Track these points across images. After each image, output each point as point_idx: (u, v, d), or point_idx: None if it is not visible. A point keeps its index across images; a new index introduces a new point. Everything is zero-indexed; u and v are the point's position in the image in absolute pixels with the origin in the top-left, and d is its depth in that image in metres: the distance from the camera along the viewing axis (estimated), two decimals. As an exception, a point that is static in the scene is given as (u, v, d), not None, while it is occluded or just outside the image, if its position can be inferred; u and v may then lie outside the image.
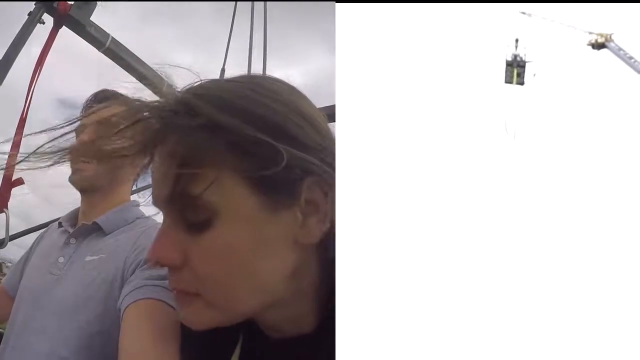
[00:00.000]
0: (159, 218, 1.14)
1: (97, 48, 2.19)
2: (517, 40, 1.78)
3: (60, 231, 1.22)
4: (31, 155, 0.58)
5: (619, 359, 1.29)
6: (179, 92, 0.56)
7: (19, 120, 1.61)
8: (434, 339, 1.35)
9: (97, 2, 2.18)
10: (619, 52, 1.77)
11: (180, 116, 0.51)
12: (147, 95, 0.62)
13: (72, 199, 1.20)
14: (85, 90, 1.19)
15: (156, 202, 0.59)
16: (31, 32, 1.84)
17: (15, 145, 1.67)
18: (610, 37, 1.78)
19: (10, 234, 1.59)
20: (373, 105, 1.47)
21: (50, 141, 0.60)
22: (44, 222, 1.72)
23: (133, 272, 0.99)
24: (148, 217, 1.19)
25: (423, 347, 1.33)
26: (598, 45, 1.80)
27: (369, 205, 1.41)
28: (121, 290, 0.97)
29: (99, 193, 1.18)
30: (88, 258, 1.09)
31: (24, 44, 1.79)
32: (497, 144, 1.59)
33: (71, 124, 0.70)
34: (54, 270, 1.11)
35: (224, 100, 0.53)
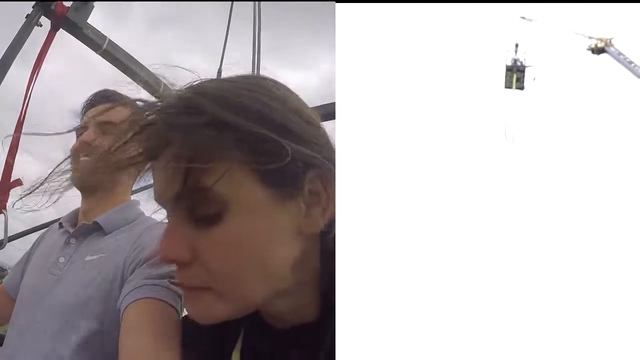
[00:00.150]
0: (159, 217, 1.17)
1: (94, 50, 2.22)
2: (517, 45, 1.81)
3: (61, 231, 1.24)
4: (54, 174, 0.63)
5: (618, 358, 1.31)
6: (179, 91, 0.59)
7: (17, 123, 1.63)
8: (432, 331, 1.37)
9: (94, 5, 2.22)
10: (618, 57, 1.80)
11: (186, 115, 0.54)
12: (144, 95, 0.65)
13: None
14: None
15: (161, 200, 0.61)
16: (29, 34, 1.87)
17: (13, 146, 1.70)
18: (610, 41, 1.81)
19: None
20: (373, 106, 1.50)
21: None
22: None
23: (133, 272, 1.01)
24: (148, 217, 1.22)
25: (422, 341, 1.36)
26: (598, 50, 1.83)
27: (369, 205, 1.43)
28: (121, 289, 0.99)
29: (99, 192, 1.20)
30: (88, 258, 1.11)
31: (22, 46, 1.82)
32: (496, 148, 1.62)
33: (74, 130, 0.74)
34: (54, 271, 1.13)
35: (226, 99, 0.56)
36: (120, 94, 1.22)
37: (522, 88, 1.78)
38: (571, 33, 1.79)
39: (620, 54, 1.80)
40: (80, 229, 1.18)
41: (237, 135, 0.53)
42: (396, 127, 1.54)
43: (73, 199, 1.20)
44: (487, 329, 1.38)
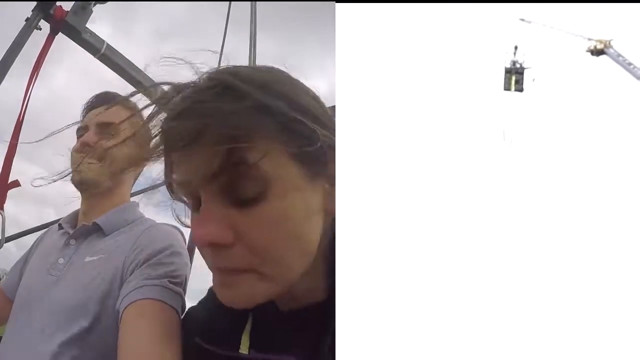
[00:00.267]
0: (159, 219, 1.18)
1: (92, 54, 2.25)
2: (516, 47, 1.82)
3: (61, 232, 1.25)
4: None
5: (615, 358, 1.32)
6: (211, 74, 0.61)
7: (15, 125, 1.66)
8: (431, 323, 1.39)
9: (93, 10, 2.25)
10: (618, 59, 1.82)
11: (231, 98, 0.56)
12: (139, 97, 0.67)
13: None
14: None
15: (191, 184, 0.61)
16: (28, 37, 1.91)
17: (11, 148, 1.72)
18: (610, 43, 1.83)
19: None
20: (373, 107, 1.52)
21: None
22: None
23: (132, 273, 1.02)
24: (148, 218, 1.23)
25: (420, 334, 1.37)
26: (597, 52, 1.84)
27: (369, 206, 1.45)
28: (120, 290, 1.00)
29: (100, 194, 1.22)
30: (88, 259, 1.12)
31: (21, 49, 1.86)
32: (494, 150, 1.63)
33: (70, 126, 0.73)
34: (53, 272, 1.14)
35: (268, 84, 0.59)
36: (121, 95, 1.25)
37: (521, 90, 1.80)
38: (570, 35, 1.81)
39: (619, 55, 1.82)
40: (80, 230, 1.20)
41: (277, 118, 0.57)
42: (396, 129, 1.56)
43: (73, 199, 1.21)
44: (483, 322, 1.39)
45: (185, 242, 1.15)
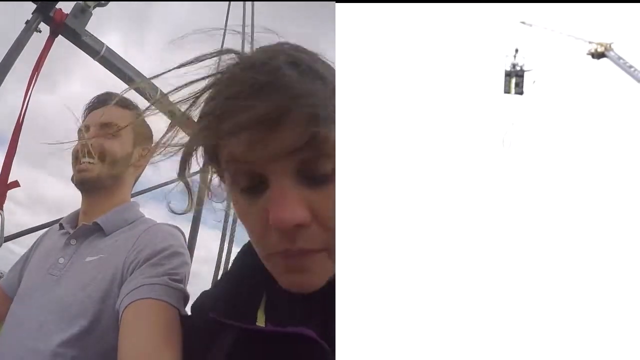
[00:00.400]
0: (159, 219, 1.19)
1: (92, 56, 2.27)
2: (516, 50, 1.84)
3: (61, 232, 1.27)
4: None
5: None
6: (270, 50, 0.63)
7: (15, 126, 1.68)
8: (430, 317, 1.40)
9: (92, 12, 2.27)
10: (618, 61, 1.84)
11: (310, 79, 0.58)
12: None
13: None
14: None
15: (270, 161, 0.59)
16: (28, 40, 1.92)
17: (11, 148, 1.73)
18: (610, 46, 1.85)
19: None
20: (372, 107, 1.54)
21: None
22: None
23: (132, 272, 1.03)
24: (148, 218, 1.24)
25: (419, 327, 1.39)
26: (598, 55, 1.86)
27: (369, 207, 1.46)
28: (120, 290, 1.01)
29: (101, 194, 1.23)
30: (88, 258, 1.13)
31: (21, 51, 1.87)
32: (493, 152, 1.65)
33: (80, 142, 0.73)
34: (53, 271, 1.15)
35: (330, 70, 0.64)
36: (122, 96, 1.26)
37: (521, 93, 1.81)
38: (571, 38, 1.82)
39: (620, 58, 1.84)
40: (81, 229, 1.21)
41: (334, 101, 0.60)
42: (395, 131, 1.58)
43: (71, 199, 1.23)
44: (478, 314, 1.40)
45: (186, 242, 1.16)
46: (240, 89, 0.57)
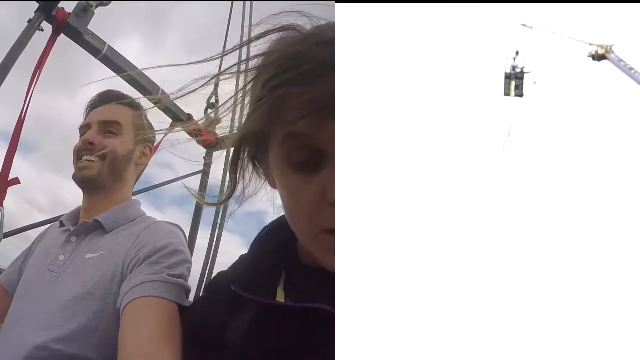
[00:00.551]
0: (159, 217, 1.21)
1: (94, 55, 2.29)
2: (517, 53, 1.85)
3: (62, 230, 1.28)
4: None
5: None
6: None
7: (17, 123, 1.70)
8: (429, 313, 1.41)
9: (94, 11, 2.29)
10: (619, 64, 1.85)
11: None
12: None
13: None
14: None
15: (319, 143, 0.61)
16: (30, 38, 1.95)
17: (12, 145, 1.75)
18: (611, 48, 1.86)
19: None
20: (372, 108, 1.55)
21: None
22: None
23: (132, 270, 1.05)
24: (149, 216, 1.26)
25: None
26: (599, 57, 1.87)
27: (369, 207, 1.48)
28: (120, 287, 1.03)
29: (101, 192, 1.25)
30: (89, 256, 1.15)
31: (23, 50, 1.90)
32: (494, 155, 1.66)
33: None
34: (54, 268, 1.17)
35: None
36: (123, 94, 1.28)
37: (521, 95, 1.82)
38: (572, 40, 1.83)
39: (621, 60, 1.84)
40: (82, 227, 1.23)
41: None
42: (395, 133, 1.59)
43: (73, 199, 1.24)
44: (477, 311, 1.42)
45: (186, 240, 1.17)
46: (315, 65, 0.60)
